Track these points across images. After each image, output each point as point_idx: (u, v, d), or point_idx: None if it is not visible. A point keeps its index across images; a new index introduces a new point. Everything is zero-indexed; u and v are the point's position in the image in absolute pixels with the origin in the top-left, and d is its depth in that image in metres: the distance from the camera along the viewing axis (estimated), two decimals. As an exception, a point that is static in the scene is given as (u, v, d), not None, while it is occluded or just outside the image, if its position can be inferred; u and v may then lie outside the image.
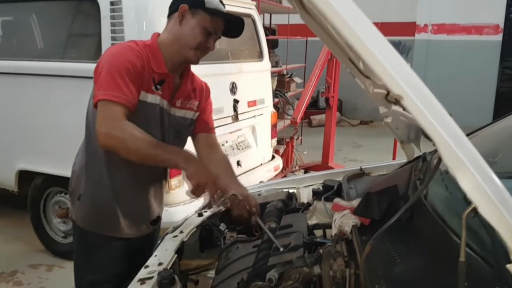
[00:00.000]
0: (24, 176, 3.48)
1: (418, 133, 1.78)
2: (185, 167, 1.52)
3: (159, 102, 1.61)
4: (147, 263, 1.51)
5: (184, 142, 1.80)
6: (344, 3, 0.77)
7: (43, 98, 3.28)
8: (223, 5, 1.64)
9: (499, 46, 8.28)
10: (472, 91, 8.22)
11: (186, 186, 1.60)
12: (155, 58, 1.59)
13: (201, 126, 1.81)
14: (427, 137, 1.15)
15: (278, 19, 7.11)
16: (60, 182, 3.23)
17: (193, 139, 1.83)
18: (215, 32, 1.61)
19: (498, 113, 7.66)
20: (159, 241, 1.73)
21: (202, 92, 1.80)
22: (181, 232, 1.73)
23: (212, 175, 1.55)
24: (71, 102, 3.05)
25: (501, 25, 8.21)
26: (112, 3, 2.90)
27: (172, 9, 1.62)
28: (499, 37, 8.27)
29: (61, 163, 3.01)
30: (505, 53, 8.29)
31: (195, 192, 1.54)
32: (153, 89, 1.59)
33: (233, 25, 1.66)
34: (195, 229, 1.76)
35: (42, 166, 3.36)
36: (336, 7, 0.76)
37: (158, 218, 1.88)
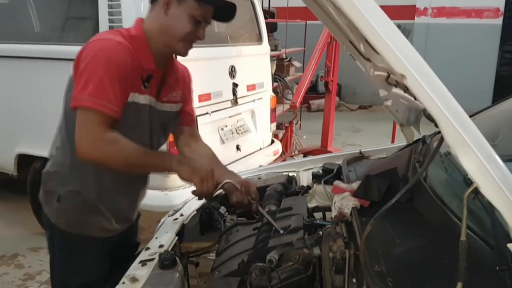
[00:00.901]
0: (24, 160, 3.48)
1: (418, 116, 1.78)
2: (179, 168, 1.43)
3: (148, 101, 1.51)
4: (148, 245, 1.53)
5: (168, 136, 1.73)
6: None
7: (41, 82, 3.26)
8: None
9: (499, 30, 8.22)
10: (471, 74, 8.19)
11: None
12: (143, 53, 1.46)
13: (185, 119, 1.72)
14: (429, 117, 1.15)
15: (277, 2, 7.02)
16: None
17: (174, 132, 1.75)
18: (204, 20, 1.47)
19: (498, 97, 7.63)
20: (159, 224, 1.73)
21: (184, 80, 1.69)
22: (182, 215, 1.74)
23: (209, 168, 1.49)
24: (65, 85, 3.03)
25: (502, 9, 8.14)
26: (109, -14, 2.86)
27: None
28: (499, 21, 8.20)
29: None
30: (505, 37, 8.23)
31: (201, 189, 1.46)
32: (142, 88, 1.47)
33: (225, 8, 1.54)
34: (195, 212, 1.77)
35: (41, 150, 3.34)
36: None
37: (138, 214, 1.82)
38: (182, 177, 1.46)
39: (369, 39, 0.77)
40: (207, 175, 1.45)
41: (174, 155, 1.55)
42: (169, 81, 1.59)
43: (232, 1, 1.54)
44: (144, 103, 1.49)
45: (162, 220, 1.76)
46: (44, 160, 3.37)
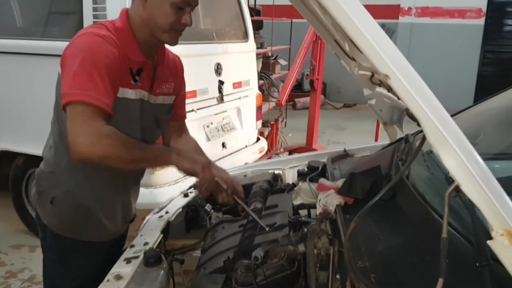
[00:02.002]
0: (6, 156, 3.43)
1: (401, 115, 1.80)
2: (179, 160, 1.39)
3: (140, 96, 1.45)
4: (132, 243, 1.52)
5: (162, 129, 1.66)
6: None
7: (24, 77, 3.21)
8: None
9: (481, 30, 8.35)
10: (454, 74, 8.32)
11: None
12: (130, 45, 1.39)
13: (177, 113, 1.68)
14: (412, 117, 1.17)
15: (263, 0, 7.03)
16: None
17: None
18: (187, 5, 1.37)
19: (479, 96, 7.77)
20: (144, 222, 1.73)
21: (176, 71, 1.63)
22: (167, 212, 1.74)
23: (206, 158, 1.48)
24: (52, 81, 2.99)
25: (484, 9, 8.28)
26: (93, -20, 2.83)
27: None
28: (481, 21, 8.33)
29: (43, 144, 2.96)
30: (487, 37, 8.37)
31: (204, 178, 1.42)
32: (132, 82, 1.41)
33: None
34: (180, 210, 1.77)
35: (24, 146, 3.30)
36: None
37: (134, 214, 1.77)
38: (183, 169, 1.41)
39: (354, 40, 0.78)
40: (208, 163, 1.43)
41: (172, 148, 1.52)
42: (161, 72, 1.53)
43: None
44: (134, 98, 1.44)
45: (147, 217, 1.75)
46: (26, 156, 3.37)
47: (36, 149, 3.17)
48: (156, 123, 1.59)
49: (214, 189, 1.52)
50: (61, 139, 1.48)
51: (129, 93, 1.42)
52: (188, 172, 1.44)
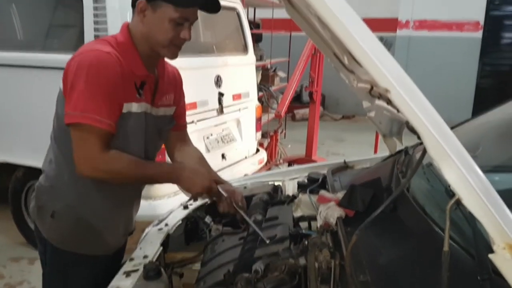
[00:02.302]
0: (5, 168, 3.42)
1: (400, 127, 1.81)
2: (179, 180, 1.46)
3: (144, 108, 1.47)
4: (132, 256, 1.51)
5: (164, 140, 1.68)
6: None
7: (24, 90, 3.22)
8: None
9: (479, 43, 8.41)
10: (452, 86, 8.36)
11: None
12: (133, 60, 1.41)
13: (179, 123, 1.69)
14: (412, 130, 1.18)
15: (262, 13, 7.09)
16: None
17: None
18: (186, 20, 1.38)
19: (478, 108, 7.81)
20: (144, 234, 1.72)
21: (175, 83, 1.64)
22: (166, 225, 1.73)
23: (210, 173, 1.51)
24: (52, 94, 3.00)
25: (481, 22, 8.34)
26: (95, -6, 2.85)
27: (132, 2, 1.41)
28: (479, 34, 8.39)
29: (42, 156, 2.96)
30: (485, 50, 8.42)
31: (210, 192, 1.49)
32: (137, 96, 1.43)
33: (207, 2, 1.44)
34: (180, 222, 1.76)
35: (23, 158, 3.30)
36: (328, 3, 0.77)
37: (133, 227, 1.77)
38: (183, 188, 1.48)
39: (353, 54, 0.79)
40: (209, 182, 1.48)
41: (173, 166, 1.55)
42: (162, 84, 1.55)
43: (218, 10, 1.48)
44: (140, 111, 1.45)
45: (147, 230, 1.75)
46: (26, 169, 3.36)
47: (36, 162, 3.17)
48: (158, 135, 1.60)
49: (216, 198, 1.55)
50: (62, 153, 1.49)
51: (134, 107, 1.43)
52: (185, 192, 1.50)
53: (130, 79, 1.40)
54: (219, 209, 1.57)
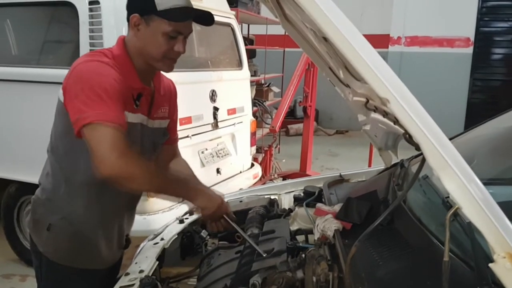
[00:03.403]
0: (-3, 184, 3.39)
1: (396, 140, 1.82)
2: (196, 198, 1.45)
3: (140, 120, 1.47)
4: (127, 271, 1.49)
5: (157, 151, 1.66)
6: (336, 14, 0.80)
7: (18, 104, 3.21)
8: None
9: (470, 59, 8.53)
10: (444, 101, 8.43)
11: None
12: (129, 73, 1.41)
13: (170, 137, 1.69)
14: (409, 141, 1.19)
15: (256, 30, 7.17)
16: (34, 190, 3.14)
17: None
18: (180, 33, 1.38)
19: (470, 123, 7.88)
20: (139, 249, 1.70)
21: (170, 95, 1.64)
22: (162, 239, 1.72)
23: (219, 197, 1.50)
24: (47, 109, 2.99)
25: (472, 38, 8.47)
26: (91, 10, 2.87)
27: (127, 16, 1.40)
28: (470, 50, 8.52)
29: (36, 171, 2.94)
30: (475, 65, 8.54)
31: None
32: (134, 107, 1.43)
33: (200, 16, 1.43)
34: (176, 236, 1.75)
35: (16, 173, 3.27)
36: (330, 17, 0.79)
37: (128, 240, 1.75)
38: (199, 207, 1.47)
39: (354, 66, 0.80)
40: (220, 202, 1.48)
41: (195, 184, 1.52)
42: (158, 97, 1.55)
43: (213, 26, 1.49)
44: (136, 122, 1.45)
45: (142, 244, 1.73)
46: (19, 184, 3.33)
47: (29, 177, 3.17)
48: (153, 147, 1.61)
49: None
50: (59, 166, 1.49)
51: (132, 117, 1.43)
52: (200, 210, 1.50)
53: (128, 90, 1.39)
54: (209, 228, 1.58)
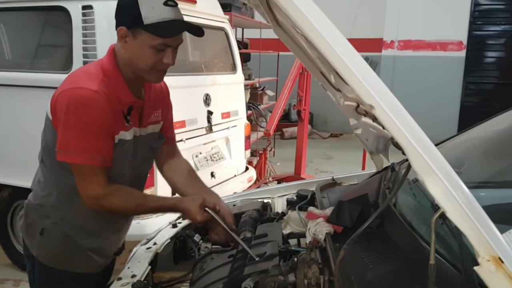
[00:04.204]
0: (-11, 189, 3.38)
1: (386, 144, 1.83)
2: (176, 211, 1.53)
3: (133, 133, 1.48)
4: (120, 275, 1.50)
5: (155, 154, 1.67)
6: (321, 20, 0.81)
7: (11, 109, 3.20)
8: (176, 4, 1.36)
9: (462, 62, 8.58)
10: (437, 105, 8.49)
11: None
12: (120, 87, 1.40)
13: (167, 137, 1.68)
14: (397, 145, 1.20)
15: (250, 33, 7.19)
16: (28, 194, 3.13)
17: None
18: (168, 46, 1.36)
19: (463, 125, 7.91)
20: (132, 254, 1.70)
21: (163, 96, 1.63)
22: (155, 243, 1.72)
23: (197, 199, 1.51)
24: (40, 113, 2.99)
25: (464, 42, 8.53)
26: (84, 14, 2.87)
27: (115, 26, 1.39)
28: (462, 53, 8.58)
29: (29, 175, 2.93)
30: (468, 69, 8.60)
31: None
32: (126, 125, 1.43)
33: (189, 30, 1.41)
34: (169, 241, 1.75)
35: (9, 178, 3.26)
36: (314, 24, 0.80)
37: (122, 246, 1.76)
38: (182, 213, 1.53)
39: (339, 72, 0.81)
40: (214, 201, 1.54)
41: (173, 201, 1.56)
42: (149, 104, 1.54)
43: (207, 30, 1.48)
44: (130, 138, 1.47)
45: (135, 249, 1.73)
46: (12, 188, 3.31)
47: (22, 181, 3.16)
48: (151, 151, 1.62)
49: (208, 225, 1.58)
50: (50, 175, 1.50)
51: (125, 135, 1.44)
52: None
53: (118, 110, 1.40)
54: (211, 238, 1.60)
